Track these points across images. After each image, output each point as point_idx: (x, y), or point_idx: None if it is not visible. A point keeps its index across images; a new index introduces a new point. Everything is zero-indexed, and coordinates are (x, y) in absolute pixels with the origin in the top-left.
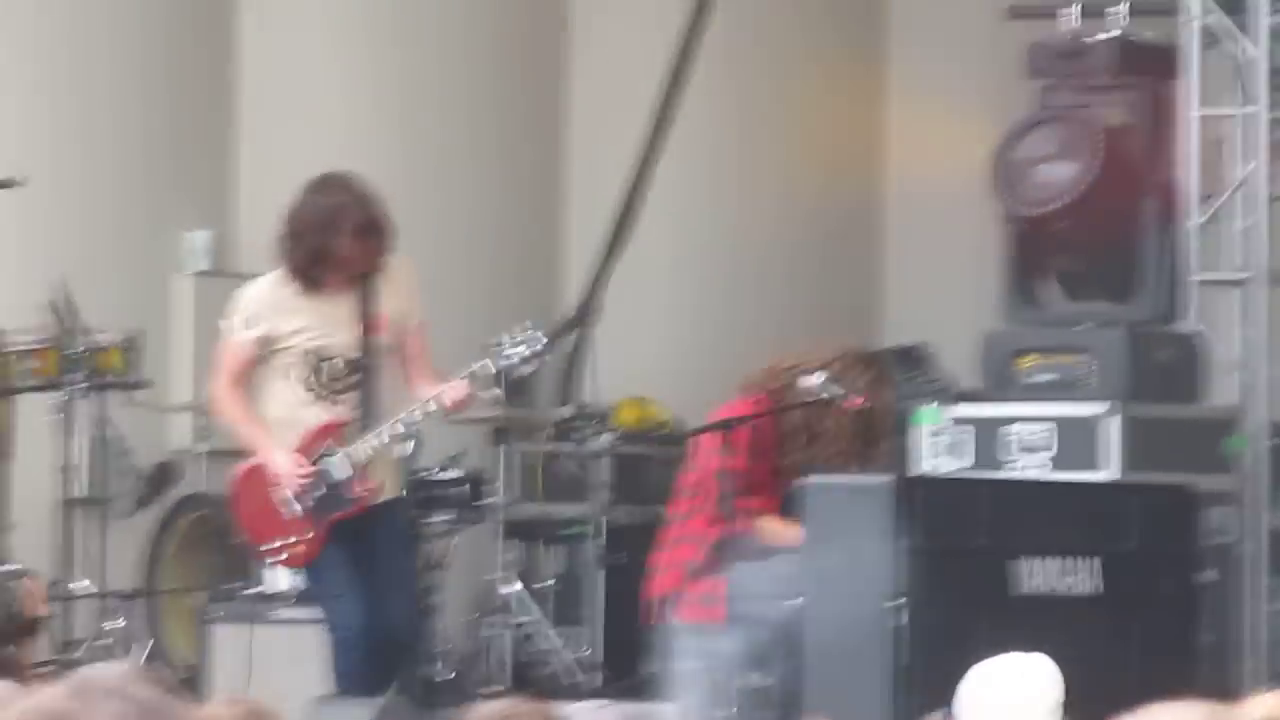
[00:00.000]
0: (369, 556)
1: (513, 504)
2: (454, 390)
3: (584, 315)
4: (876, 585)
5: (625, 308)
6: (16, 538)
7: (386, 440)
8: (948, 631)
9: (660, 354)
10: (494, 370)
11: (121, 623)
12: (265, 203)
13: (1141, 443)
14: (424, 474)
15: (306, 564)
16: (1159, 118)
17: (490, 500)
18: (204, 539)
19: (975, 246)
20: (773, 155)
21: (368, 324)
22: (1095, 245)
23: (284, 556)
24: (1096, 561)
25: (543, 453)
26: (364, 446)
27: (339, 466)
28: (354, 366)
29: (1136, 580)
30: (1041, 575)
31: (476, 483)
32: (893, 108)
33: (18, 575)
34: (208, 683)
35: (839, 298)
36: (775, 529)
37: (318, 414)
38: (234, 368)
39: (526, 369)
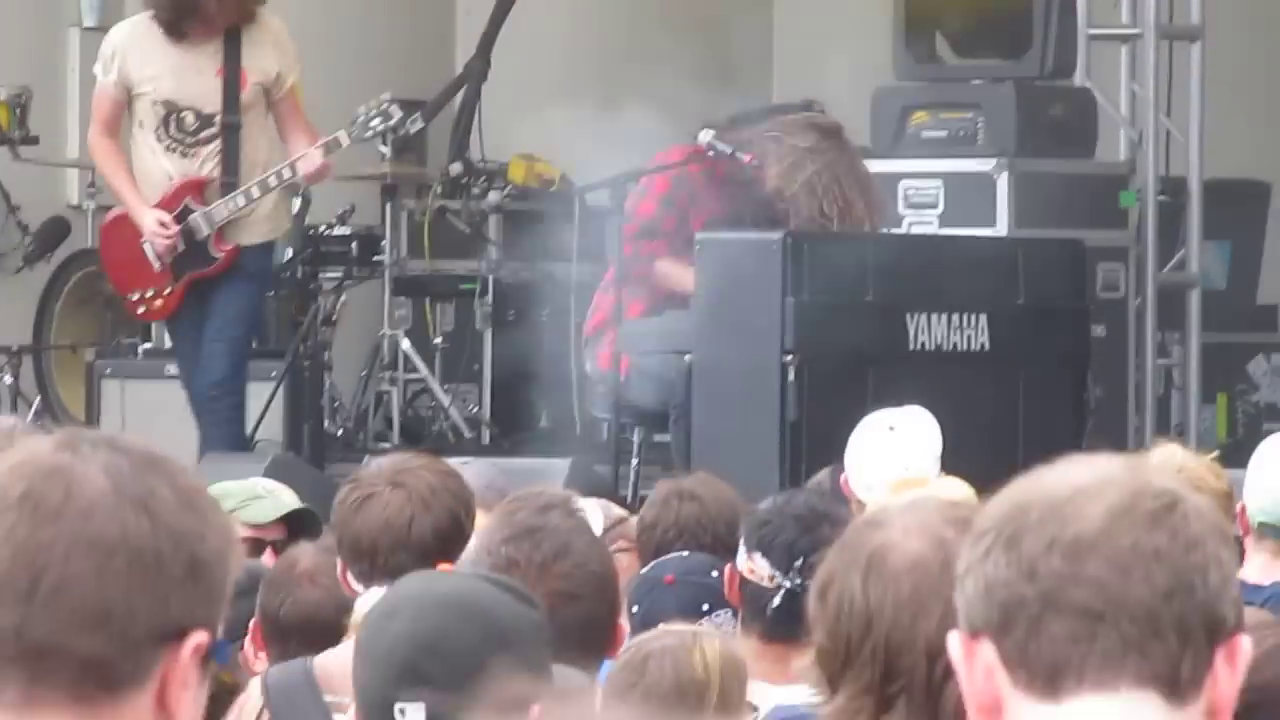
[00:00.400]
0: (212, 314)
1: (402, 261)
2: (309, 160)
3: (474, 73)
4: (766, 340)
5: (516, 64)
6: None
7: (242, 204)
8: (836, 386)
9: (550, 111)
10: (347, 143)
11: (9, 379)
12: None
13: (1031, 198)
14: (314, 230)
15: (165, 318)
16: None
17: (379, 257)
18: (93, 295)
19: (865, 3)
20: None
21: (227, 79)
22: (985, 1)
23: (142, 310)
24: (984, 317)
25: (432, 209)
26: (223, 207)
27: (199, 225)
28: (207, 121)
29: (1025, 335)
30: (929, 331)
31: (366, 239)
32: None
33: None
34: None
35: (729, 56)
36: (670, 271)
37: (172, 166)
38: (101, 115)
39: (382, 138)
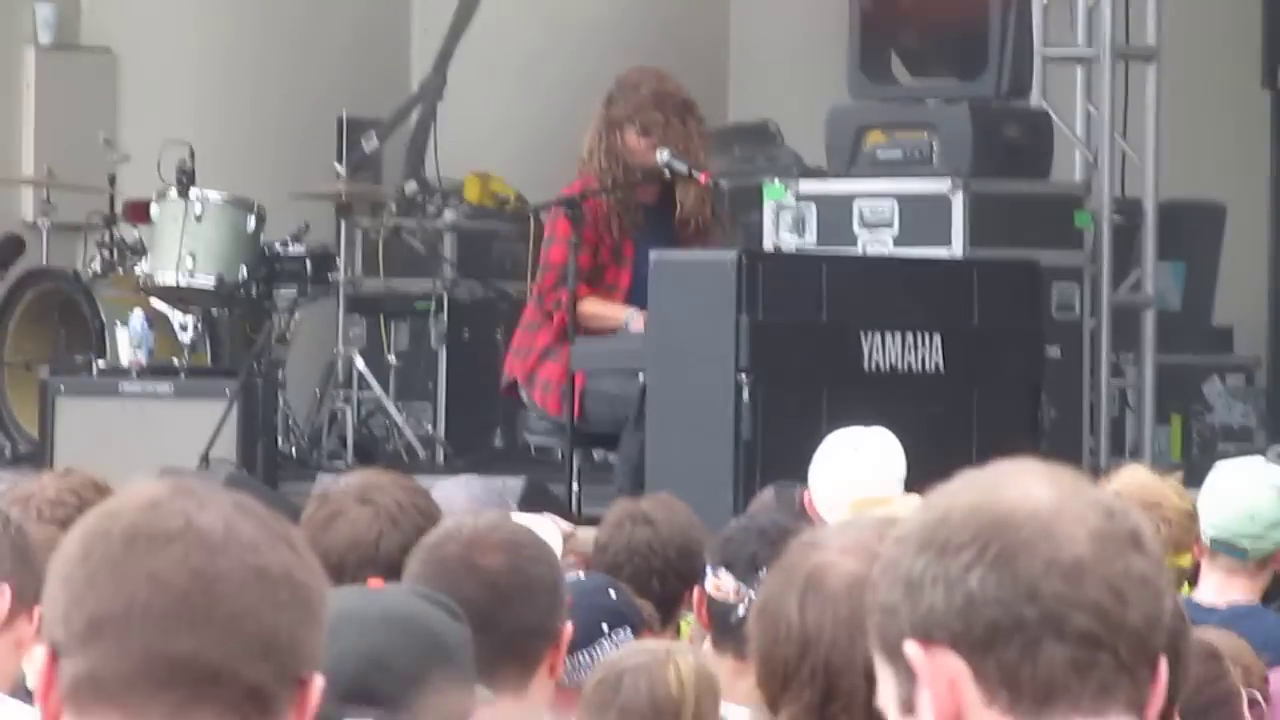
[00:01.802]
0: None
1: (356, 279)
2: None
3: (429, 90)
4: (720, 360)
5: (470, 82)
6: None
7: None
8: (790, 406)
9: (505, 129)
10: None
11: None
12: None
13: (986, 218)
14: (268, 249)
15: None
16: None
17: (334, 275)
18: (48, 312)
19: (821, 23)
20: None
21: None
22: (941, 21)
23: None
24: (938, 337)
25: (387, 228)
26: None
27: None
28: None
29: (980, 356)
30: (884, 351)
31: (321, 257)
32: None
33: None
34: (52, 456)
35: (684, 75)
36: (595, 310)
37: None
38: None
39: None
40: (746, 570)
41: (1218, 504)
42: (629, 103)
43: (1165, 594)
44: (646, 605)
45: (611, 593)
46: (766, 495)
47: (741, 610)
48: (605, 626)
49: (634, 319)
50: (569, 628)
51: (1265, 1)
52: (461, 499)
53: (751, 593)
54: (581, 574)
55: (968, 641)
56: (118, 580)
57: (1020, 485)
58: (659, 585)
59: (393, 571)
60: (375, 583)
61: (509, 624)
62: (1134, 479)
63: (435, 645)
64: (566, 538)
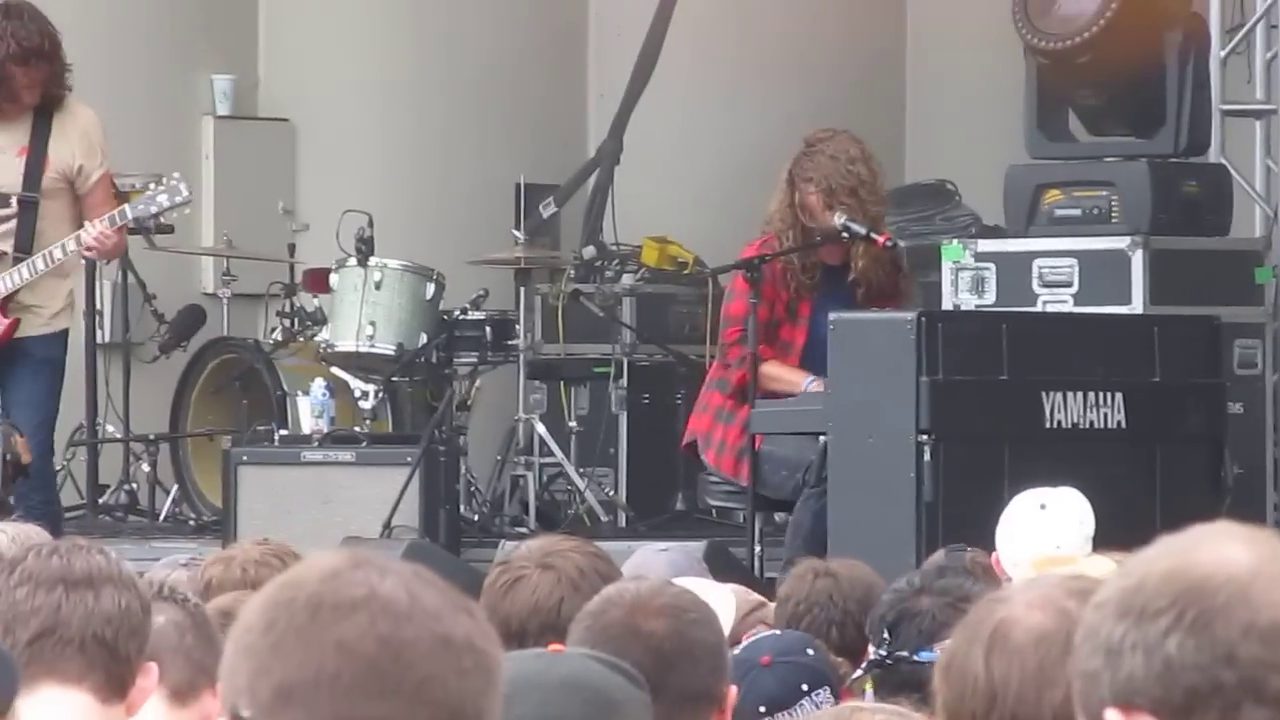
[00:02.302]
0: (6, 388)
1: (536, 344)
2: (90, 232)
3: (606, 155)
4: (901, 421)
5: (646, 147)
6: None
7: (26, 275)
8: (972, 466)
9: (681, 193)
10: (131, 217)
11: (147, 467)
12: (283, 50)
13: (1166, 276)
14: (448, 315)
15: None
16: None
17: (513, 341)
18: (230, 383)
19: (999, 82)
20: None
21: (30, 159)
22: (1118, 78)
23: None
24: (1120, 395)
25: (566, 293)
26: (7, 278)
27: None
28: (3, 199)
29: (1162, 413)
30: (1065, 409)
31: (500, 324)
32: None
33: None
34: (235, 525)
35: (863, 135)
36: (776, 373)
37: None
38: None
39: (164, 217)
40: (925, 633)
41: None
42: (811, 163)
43: None
44: (844, 664)
45: (810, 651)
46: (937, 558)
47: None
48: (805, 686)
49: (813, 386)
50: (733, 691)
51: None
52: (661, 565)
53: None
54: (779, 632)
55: (1168, 707)
56: (305, 648)
57: (1216, 549)
58: (838, 635)
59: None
60: (556, 648)
61: (673, 689)
62: None
63: (614, 711)
64: (756, 607)
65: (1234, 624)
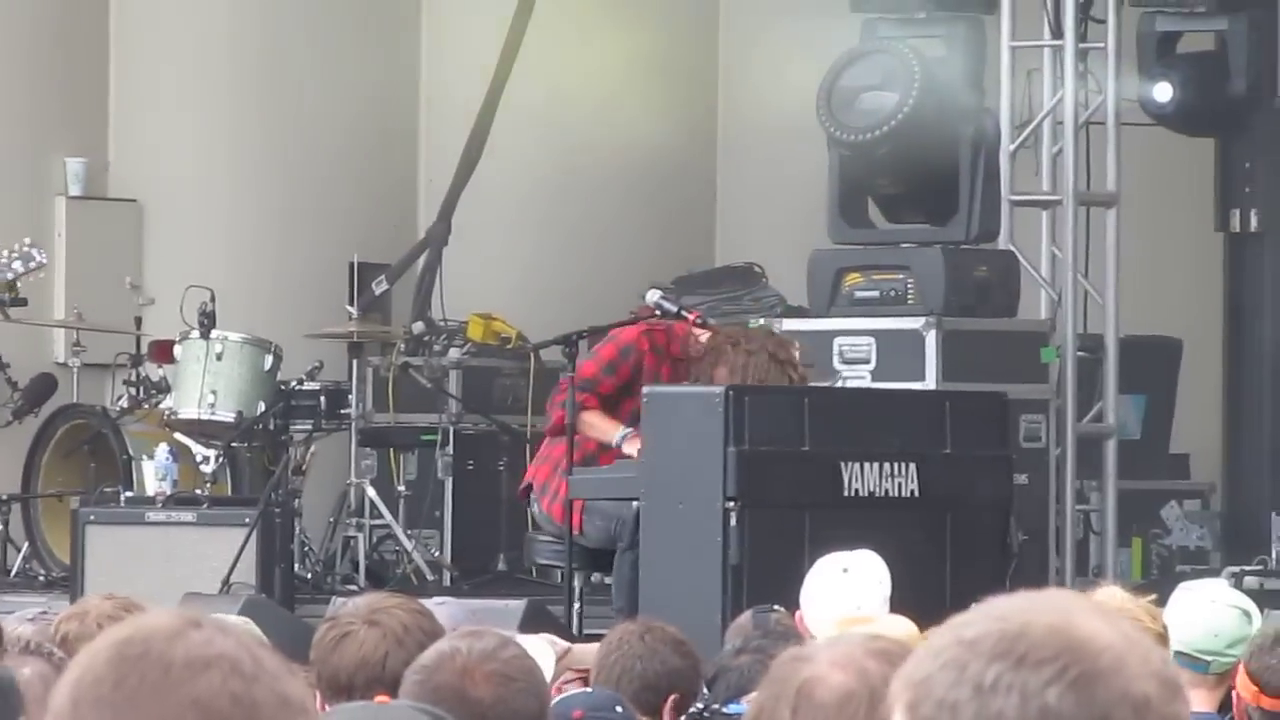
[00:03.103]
0: None
1: (367, 413)
2: None
3: (435, 237)
4: (709, 488)
5: (472, 229)
6: None
7: None
8: (775, 531)
9: (505, 273)
10: None
11: (0, 526)
12: (132, 134)
13: (957, 354)
14: (285, 385)
15: None
16: (974, 49)
17: (346, 410)
18: (79, 447)
19: (804, 171)
20: (611, 84)
21: None
22: (915, 169)
23: None
24: (913, 465)
25: (396, 366)
26: None
27: None
28: None
29: (952, 483)
30: (862, 478)
31: (334, 394)
32: (725, 36)
33: None
34: (82, 581)
35: (675, 220)
36: (594, 420)
37: None
38: None
39: (20, 282)
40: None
41: (1183, 621)
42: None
43: None
44: None
45: (618, 709)
46: (744, 619)
47: None
48: None
49: (628, 439)
50: None
51: (1218, 150)
52: (441, 617)
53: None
54: (590, 690)
55: None
56: (161, 704)
57: (1088, 617)
58: (651, 699)
59: (399, 689)
60: (382, 699)
61: None
62: (1112, 600)
63: None
64: (563, 654)
65: (1113, 689)
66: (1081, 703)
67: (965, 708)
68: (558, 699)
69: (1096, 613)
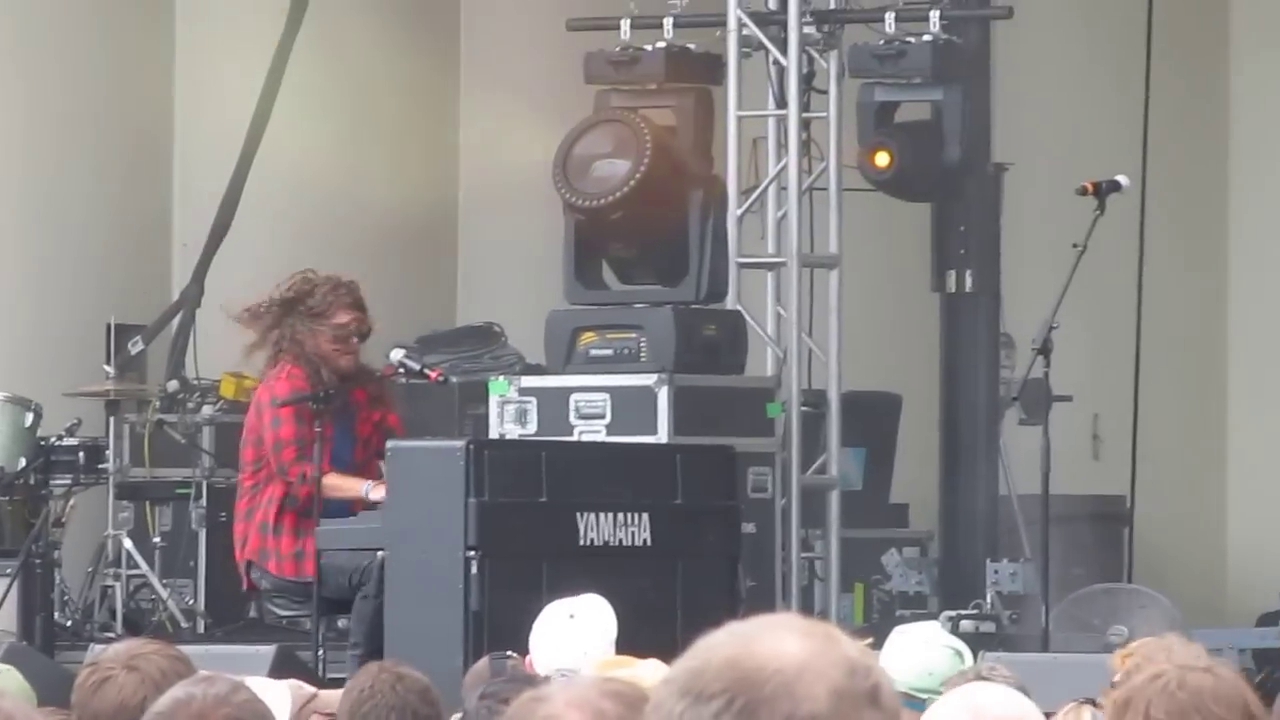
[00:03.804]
0: None
1: (124, 468)
2: None
3: (189, 299)
4: (451, 538)
5: (224, 291)
6: None
7: None
8: (514, 579)
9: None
10: None
11: None
12: None
13: (688, 409)
14: (45, 441)
15: None
16: (703, 119)
17: (104, 465)
18: None
19: (540, 235)
20: (355, 153)
21: None
22: (647, 233)
23: None
24: (646, 515)
25: (151, 422)
26: None
27: None
28: None
29: (683, 532)
30: (598, 528)
31: (92, 449)
32: (465, 106)
33: None
34: None
35: (418, 281)
36: (337, 483)
37: None
38: None
39: None
40: None
41: (899, 662)
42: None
43: None
44: None
45: None
46: (481, 665)
47: None
48: None
49: (373, 489)
50: None
51: (934, 214)
52: None
53: None
54: None
55: None
56: None
57: (773, 641)
58: None
59: None
60: None
61: None
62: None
63: None
64: (309, 699)
65: (777, 714)
66: None
67: None
68: None
69: (792, 634)
